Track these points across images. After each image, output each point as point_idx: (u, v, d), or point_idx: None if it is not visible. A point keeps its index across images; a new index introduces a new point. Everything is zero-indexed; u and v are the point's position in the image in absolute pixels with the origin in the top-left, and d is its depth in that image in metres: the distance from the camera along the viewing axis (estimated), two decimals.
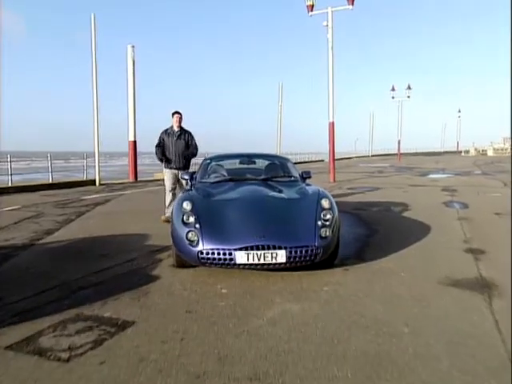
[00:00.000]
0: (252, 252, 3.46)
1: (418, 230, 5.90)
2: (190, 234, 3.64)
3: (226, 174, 5.25)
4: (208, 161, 5.62)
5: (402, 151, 44.34)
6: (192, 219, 3.74)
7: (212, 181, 4.97)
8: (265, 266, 3.52)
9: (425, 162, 34.40)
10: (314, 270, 3.86)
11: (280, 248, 3.49)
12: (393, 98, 39.59)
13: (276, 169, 5.51)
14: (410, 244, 5.03)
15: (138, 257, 4.50)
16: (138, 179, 17.87)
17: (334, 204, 4.11)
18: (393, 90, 38.97)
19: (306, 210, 3.93)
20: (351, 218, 6.97)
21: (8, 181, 13.07)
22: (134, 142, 17.82)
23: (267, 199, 4.16)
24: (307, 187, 4.69)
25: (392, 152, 65.58)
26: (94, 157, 15.57)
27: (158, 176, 19.26)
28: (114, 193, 11.92)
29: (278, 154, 6.95)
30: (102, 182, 15.56)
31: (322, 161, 41.86)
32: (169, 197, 6.61)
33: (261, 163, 5.81)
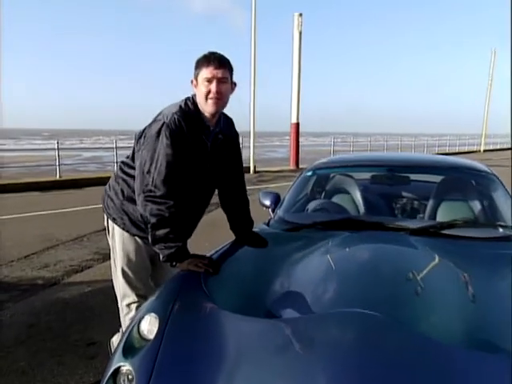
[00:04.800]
0: None
1: None
2: None
3: (337, 205, 2.51)
4: (309, 173, 2.79)
5: None
6: None
7: (300, 221, 2.31)
8: None
9: None
10: None
11: None
12: None
13: (460, 199, 2.44)
14: None
15: None
16: (300, 166, 15.99)
17: None
18: None
19: None
20: None
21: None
22: (297, 124, 15.88)
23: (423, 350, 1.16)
24: None
25: None
26: (249, 139, 14.20)
27: None
28: (256, 186, 10.16)
29: (466, 160, 2.80)
30: (257, 170, 14.22)
31: None
32: (129, 316, 2.01)
33: (421, 179, 2.80)
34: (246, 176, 2.17)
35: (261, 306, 1.50)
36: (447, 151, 25.94)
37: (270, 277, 1.66)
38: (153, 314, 1.40)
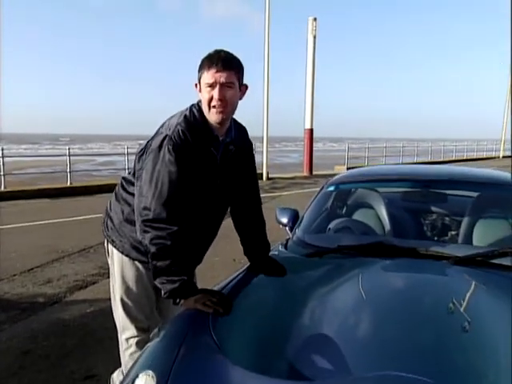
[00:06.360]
0: None
1: None
2: None
3: (361, 224, 2.23)
4: (331, 188, 2.51)
5: None
6: None
7: (322, 244, 2.03)
8: None
9: None
10: None
11: None
12: None
13: (500, 217, 2.14)
14: None
15: None
16: (313, 173, 15.66)
17: None
18: None
19: None
20: None
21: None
22: (311, 130, 15.59)
23: None
24: None
25: None
26: (262, 145, 13.93)
27: (338, 169, 16.63)
28: (269, 193, 9.89)
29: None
30: (270, 176, 13.93)
31: None
32: (128, 352, 1.77)
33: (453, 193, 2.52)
34: (259, 183, 1.92)
35: (281, 360, 1.23)
36: (465, 157, 25.30)
37: (291, 319, 1.39)
38: (149, 372, 1.14)
